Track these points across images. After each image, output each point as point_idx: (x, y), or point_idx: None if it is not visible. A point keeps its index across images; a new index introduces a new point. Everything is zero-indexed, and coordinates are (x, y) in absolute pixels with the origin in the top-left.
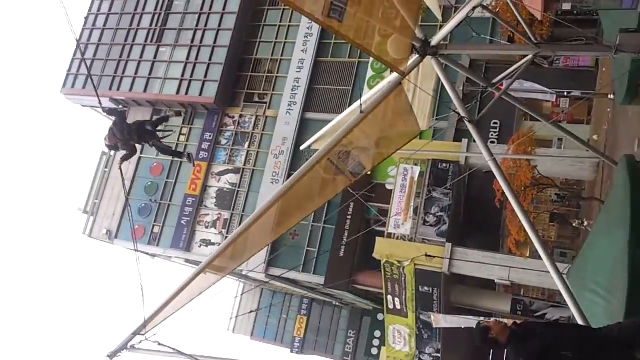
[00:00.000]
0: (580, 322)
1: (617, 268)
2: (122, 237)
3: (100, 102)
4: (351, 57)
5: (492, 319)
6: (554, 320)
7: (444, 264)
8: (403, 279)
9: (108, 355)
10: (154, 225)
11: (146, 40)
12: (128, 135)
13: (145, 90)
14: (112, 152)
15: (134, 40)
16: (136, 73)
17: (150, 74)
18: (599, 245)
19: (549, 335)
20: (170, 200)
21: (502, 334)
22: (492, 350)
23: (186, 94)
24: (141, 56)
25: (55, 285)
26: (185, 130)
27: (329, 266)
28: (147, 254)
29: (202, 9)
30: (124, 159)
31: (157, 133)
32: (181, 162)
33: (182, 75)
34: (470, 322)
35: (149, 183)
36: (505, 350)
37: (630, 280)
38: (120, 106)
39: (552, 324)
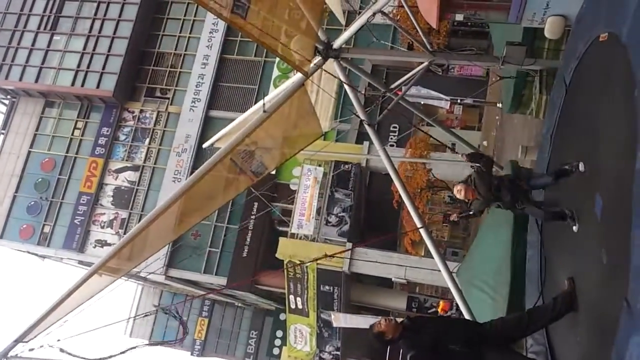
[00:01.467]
0: (467, 317)
1: (501, 266)
2: (8, 237)
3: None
4: (257, 55)
5: (383, 321)
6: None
7: (344, 264)
8: (305, 278)
9: None
10: (44, 225)
11: (39, 28)
12: (496, 192)
13: (36, 81)
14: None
15: (25, 27)
16: (27, 61)
17: (42, 63)
18: (485, 245)
19: (438, 329)
20: (62, 198)
21: (395, 331)
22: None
23: (82, 85)
24: (33, 44)
25: None
26: (80, 125)
27: (231, 267)
28: (36, 255)
29: None
30: (463, 217)
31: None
32: (75, 157)
33: (78, 66)
34: (368, 321)
35: (40, 179)
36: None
37: (512, 277)
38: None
39: (441, 319)
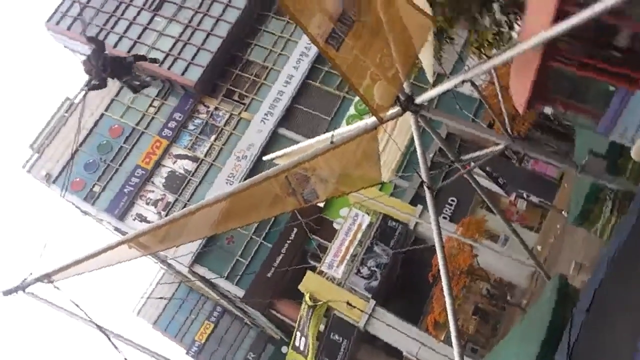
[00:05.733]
0: None
1: None
2: (60, 184)
3: (85, 29)
4: (339, 89)
5: None
6: None
7: (362, 319)
8: (309, 319)
9: (3, 292)
10: (95, 184)
11: (144, 5)
12: (102, 67)
13: (128, 52)
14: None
15: (131, 1)
16: (125, 32)
17: (138, 38)
18: (508, 353)
19: None
20: (119, 165)
21: None
22: None
23: (169, 69)
24: (135, 18)
25: None
26: (156, 103)
27: (253, 282)
28: (79, 208)
29: None
30: (92, 88)
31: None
32: (143, 132)
33: (170, 50)
34: None
35: (104, 141)
36: None
37: None
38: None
39: None
